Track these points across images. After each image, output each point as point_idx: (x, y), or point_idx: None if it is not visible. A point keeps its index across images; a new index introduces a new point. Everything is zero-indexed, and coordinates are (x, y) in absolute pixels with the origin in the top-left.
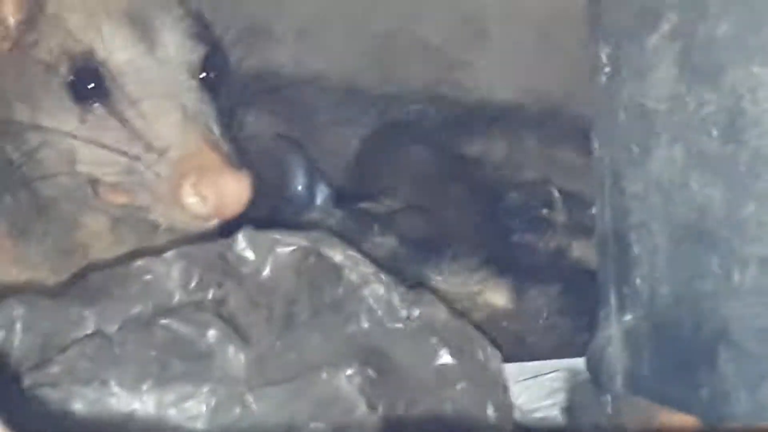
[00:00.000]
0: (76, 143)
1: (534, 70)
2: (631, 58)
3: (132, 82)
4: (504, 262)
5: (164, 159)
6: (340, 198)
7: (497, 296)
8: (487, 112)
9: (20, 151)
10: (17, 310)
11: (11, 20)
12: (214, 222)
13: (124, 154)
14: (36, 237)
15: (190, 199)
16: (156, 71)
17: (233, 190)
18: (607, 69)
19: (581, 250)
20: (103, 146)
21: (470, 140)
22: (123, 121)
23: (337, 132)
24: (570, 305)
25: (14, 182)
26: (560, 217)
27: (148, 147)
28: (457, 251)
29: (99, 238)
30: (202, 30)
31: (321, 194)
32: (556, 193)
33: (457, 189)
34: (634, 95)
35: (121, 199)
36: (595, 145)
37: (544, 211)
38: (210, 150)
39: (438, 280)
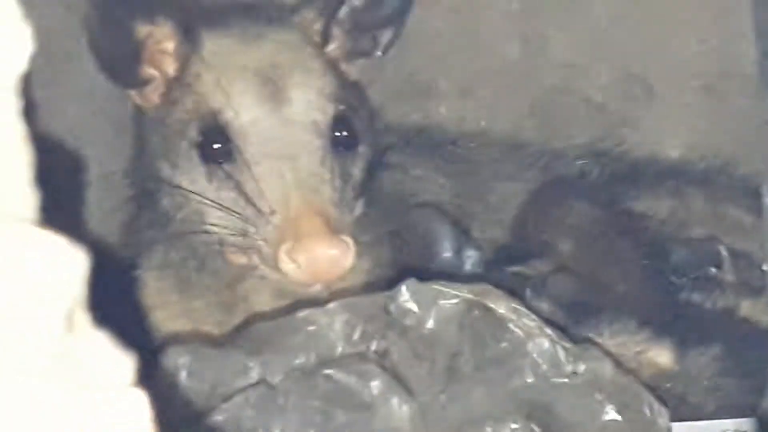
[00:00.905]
0: (205, 203)
1: (701, 127)
2: None
3: (253, 143)
4: (669, 321)
5: (270, 223)
6: (500, 257)
7: (660, 357)
8: (653, 169)
9: (171, 207)
10: (183, 359)
11: (170, 76)
12: (317, 287)
13: (239, 216)
14: (199, 290)
15: (286, 266)
16: (277, 132)
17: (327, 257)
18: None
19: (749, 310)
20: (222, 207)
21: (636, 196)
22: (240, 183)
23: (500, 188)
24: (736, 366)
25: (174, 236)
26: (728, 276)
27: (258, 210)
28: (617, 312)
29: (259, 292)
30: (340, 89)
31: (469, 259)
32: (725, 252)
33: (622, 245)
34: None
35: (241, 259)
36: (766, 185)
37: (712, 269)
38: (312, 215)
39: (598, 342)
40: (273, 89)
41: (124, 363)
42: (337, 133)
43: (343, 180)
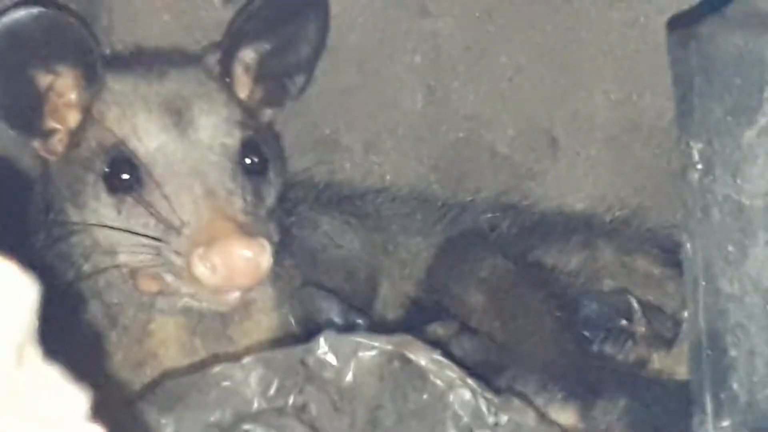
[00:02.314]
0: (114, 235)
1: (606, 179)
2: (725, 154)
3: (161, 166)
4: (580, 375)
5: (182, 235)
6: (411, 314)
7: (563, 416)
8: (561, 221)
9: (79, 252)
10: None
11: (73, 126)
12: (234, 295)
13: (149, 237)
14: (110, 348)
15: (201, 269)
16: (184, 154)
17: (243, 256)
18: (699, 166)
19: (661, 362)
20: (133, 233)
21: (545, 249)
22: (150, 206)
23: (409, 242)
24: (646, 419)
25: (84, 289)
26: (640, 327)
27: (170, 227)
28: (520, 371)
29: (168, 347)
30: (248, 120)
31: (359, 327)
32: (635, 304)
33: (532, 298)
34: (729, 192)
35: (154, 285)
36: (687, 245)
37: (624, 322)
38: (223, 220)
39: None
40: (178, 117)
41: (77, 398)
42: (247, 159)
43: (255, 197)
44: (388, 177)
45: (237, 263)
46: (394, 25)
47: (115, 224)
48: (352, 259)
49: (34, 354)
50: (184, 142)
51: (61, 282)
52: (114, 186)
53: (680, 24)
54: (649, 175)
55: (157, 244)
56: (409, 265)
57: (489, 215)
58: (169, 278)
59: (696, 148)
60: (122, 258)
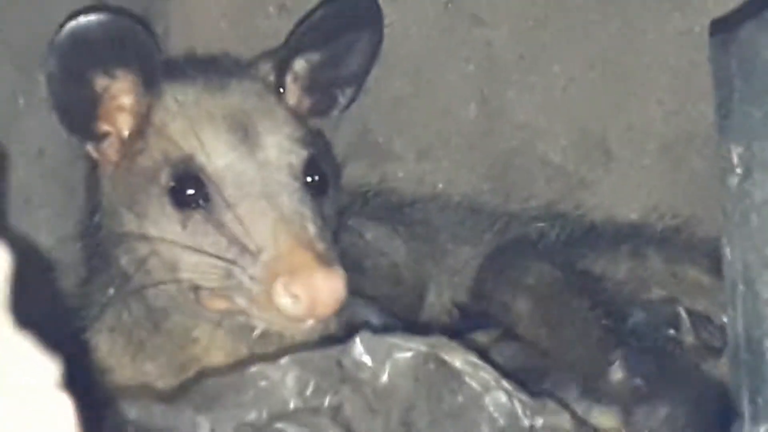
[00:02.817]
0: (178, 250)
1: (658, 189)
2: (764, 157)
3: (230, 186)
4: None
5: (258, 261)
6: (457, 321)
7: (605, 420)
8: (611, 230)
9: (132, 262)
10: (131, 414)
11: (125, 133)
12: (310, 323)
13: (222, 258)
14: (152, 352)
15: (283, 300)
16: (254, 174)
17: (325, 288)
18: (738, 170)
19: (709, 372)
20: (202, 252)
21: (594, 258)
22: (220, 225)
23: (457, 251)
24: (689, 424)
25: (130, 296)
26: (688, 337)
27: (244, 250)
28: (559, 378)
29: (211, 354)
30: (307, 135)
31: (397, 329)
32: (684, 313)
33: (579, 307)
34: (767, 196)
35: (221, 304)
36: (726, 249)
37: (671, 331)
38: (302, 249)
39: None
40: (244, 134)
41: (48, 367)
42: (309, 178)
43: (322, 220)
44: (440, 185)
45: (320, 294)
46: (447, 34)
47: (179, 239)
48: (399, 267)
49: (5, 323)
50: (253, 161)
51: (106, 288)
52: (180, 201)
53: (722, 28)
54: (703, 185)
55: (231, 266)
56: (458, 273)
57: (538, 224)
58: (241, 301)
59: (735, 152)
60: (184, 274)
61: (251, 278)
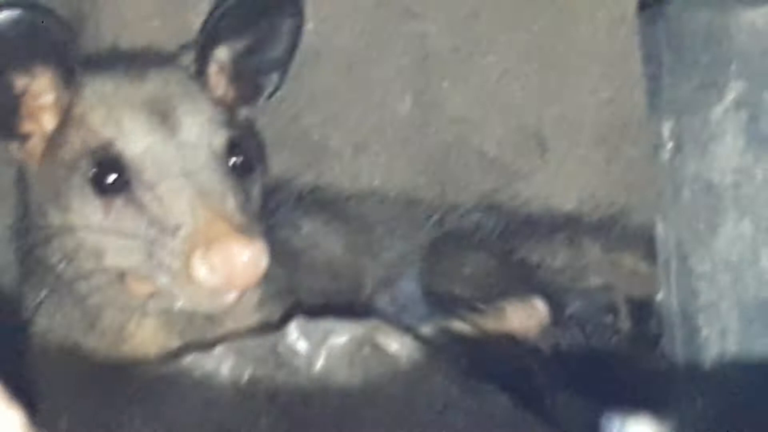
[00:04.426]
0: (101, 237)
1: (594, 179)
2: (694, 131)
3: (150, 168)
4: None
5: (177, 237)
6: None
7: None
8: (548, 220)
9: (61, 257)
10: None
11: (49, 129)
12: (231, 296)
13: (142, 238)
14: (88, 352)
15: (201, 271)
16: (174, 155)
17: (243, 257)
18: (669, 145)
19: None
20: (124, 235)
21: (531, 248)
22: (141, 208)
23: (393, 244)
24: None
25: (63, 295)
26: (625, 324)
27: (164, 228)
28: None
29: (146, 348)
30: (231, 120)
31: None
32: (621, 301)
33: (516, 295)
34: (698, 170)
35: (145, 288)
36: (659, 226)
37: (609, 318)
38: (220, 221)
39: None
40: (163, 118)
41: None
42: (233, 159)
43: (245, 197)
44: (376, 180)
45: (237, 264)
46: (380, 27)
47: (105, 225)
48: (335, 261)
49: None
50: (172, 142)
51: (40, 288)
52: (102, 188)
53: (650, 3)
54: (638, 174)
55: (151, 246)
56: (395, 266)
57: (475, 216)
58: (163, 280)
59: (666, 127)
60: (110, 261)
61: (171, 254)
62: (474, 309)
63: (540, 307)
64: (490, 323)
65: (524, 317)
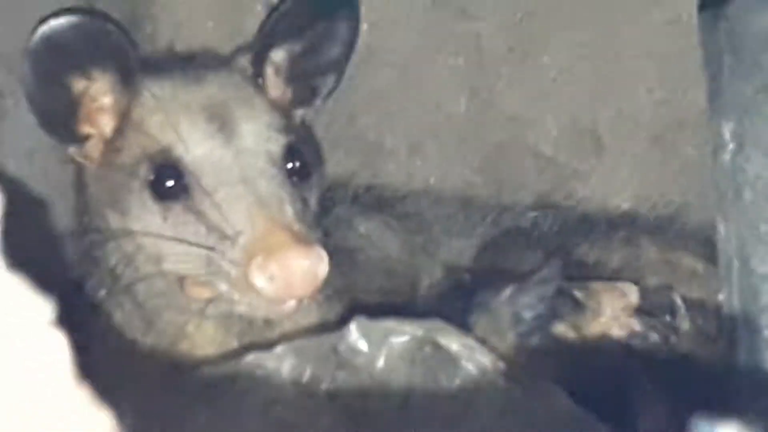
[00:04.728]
0: (160, 242)
1: (651, 177)
2: (756, 132)
3: (208, 175)
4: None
5: (236, 245)
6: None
7: None
8: (604, 220)
9: (120, 260)
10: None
11: (107, 133)
12: (291, 304)
13: (201, 246)
14: (146, 352)
15: (259, 280)
16: (232, 161)
17: (301, 266)
18: (731, 146)
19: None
20: (183, 241)
21: (587, 247)
22: (200, 214)
23: (451, 243)
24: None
25: (121, 295)
26: (684, 324)
27: (223, 236)
28: None
29: (204, 349)
30: (288, 124)
31: None
32: (679, 301)
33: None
34: (760, 171)
35: (205, 293)
36: (721, 227)
37: (667, 318)
38: (279, 230)
39: None
40: (221, 123)
41: (41, 305)
42: (290, 164)
43: (302, 204)
44: (431, 180)
45: (296, 273)
46: (435, 27)
47: (162, 231)
48: (391, 260)
49: None
50: (230, 149)
51: (98, 289)
52: (160, 193)
53: (711, 4)
54: (694, 173)
55: (211, 253)
56: (451, 265)
57: (531, 215)
58: (222, 287)
59: (727, 128)
60: (169, 266)
61: (230, 262)
62: (572, 298)
63: (630, 291)
64: (588, 322)
65: (617, 301)
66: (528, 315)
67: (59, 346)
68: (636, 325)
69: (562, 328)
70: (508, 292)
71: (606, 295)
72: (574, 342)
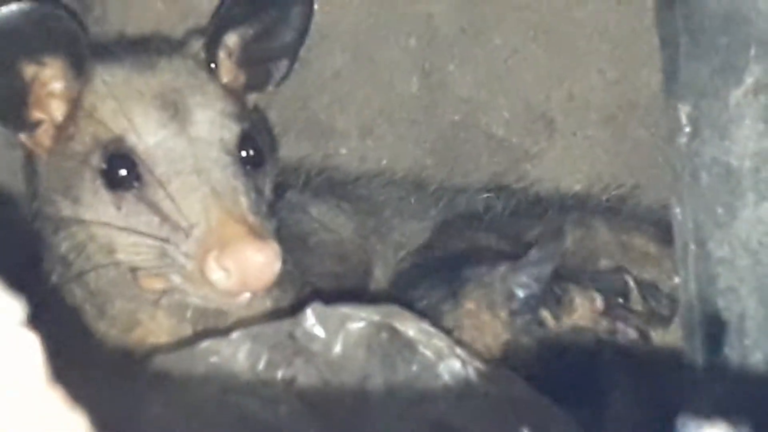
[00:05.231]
0: (113, 232)
1: (602, 159)
2: (712, 115)
3: (161, 164)
4: None
5: (191, 237)
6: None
7: None
8: (557, 202)
9: (71, 248)
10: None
11: (58, 119)
12: (245, 297)
13: (155, 237)
14: (98, 339)
15: (215, 275)
16: (185, 150)
17: (257, 260)
18: (687, 129)
19: (658, 339)
20: (136, 232)
21: (540, 229)
22: (153, 204)
23: (403, 226)
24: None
25: (72, 282)
26: (637, 305)
27: (176, 227)
28: None
29: (158, 336)
30: (241, 110)
31: None
32: (632, 282)
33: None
34: (717, 154)
35: (158, 284)
36: (677, 210)
37: (620, 299)
38: (234, 223)
39: None
40: (174, 111)
41: (13, 305)
42: (244, 153)
43: (256, 193)
44: (384, 161)
45: (252, 267)
46: (387, 8)
47: (114, 221)
48: (344, 243)
49: None
50: (184, 137)
51: (49, 275)
52: (113, 182)
53: None
54: (646, 154)
55: (164, 245)
56: (404, 247)
57: (484, 197)
58: (176, 279)
59: (683, 111)
60: (122, 256)
61: (184, 255)
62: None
63: (598, 299)
64: (564, 314)
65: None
66: (522, 294)
67: (32, 348)
68: (605, 325)
69: (545, 314)
70: (503, 269)
71: (578, 298)
72: (552, 329)
